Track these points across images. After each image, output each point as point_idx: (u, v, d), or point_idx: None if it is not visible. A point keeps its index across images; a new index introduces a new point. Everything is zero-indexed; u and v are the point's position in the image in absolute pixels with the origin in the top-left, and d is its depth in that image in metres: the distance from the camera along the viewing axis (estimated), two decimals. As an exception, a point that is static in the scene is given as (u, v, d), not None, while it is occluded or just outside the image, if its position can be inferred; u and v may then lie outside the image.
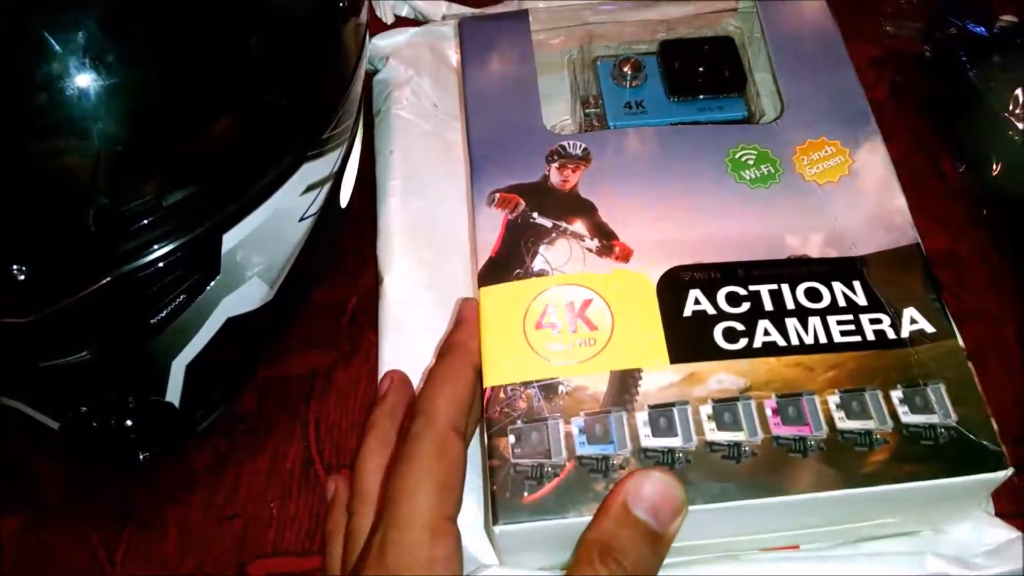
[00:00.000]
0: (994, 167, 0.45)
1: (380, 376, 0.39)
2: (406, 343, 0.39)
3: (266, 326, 0.40)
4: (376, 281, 0.41)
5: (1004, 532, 0.34)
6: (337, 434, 0.40)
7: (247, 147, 0.35)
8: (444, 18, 0.49)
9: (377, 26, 0.49)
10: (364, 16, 0.41)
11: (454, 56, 0.48)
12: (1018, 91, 0.43)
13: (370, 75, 0.48)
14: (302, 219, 0.38)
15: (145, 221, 0.32)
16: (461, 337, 0.34)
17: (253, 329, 0.38)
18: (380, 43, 0.48)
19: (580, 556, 0.28)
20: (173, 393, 0.36)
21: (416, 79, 0.46)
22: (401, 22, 0.50)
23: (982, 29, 0.47)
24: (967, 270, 0.36)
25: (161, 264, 0.33)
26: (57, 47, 0.29)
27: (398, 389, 0.38)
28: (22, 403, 0.37)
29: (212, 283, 0.35)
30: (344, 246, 0.44)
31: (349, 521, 0.34)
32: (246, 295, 0.37)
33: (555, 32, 0.44)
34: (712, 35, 0.43)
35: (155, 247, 0.33)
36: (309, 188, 0.37)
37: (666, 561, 0.31)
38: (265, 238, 0.36)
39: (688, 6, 0.44)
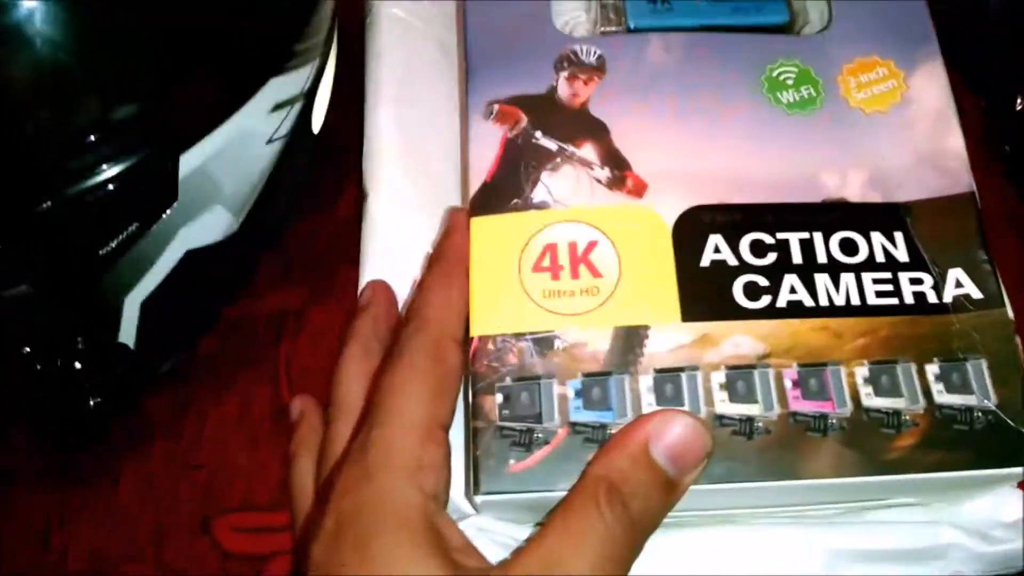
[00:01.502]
0: (1018, 102, 0.41)
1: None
2: (391, 265, 0.35)
3: (231, 261, 0.36)
4: (358, 202, 0.37)
5: (1027, 505, 0.31)
6: (310, 379, 0.36)
7: (204, 55, 0.30)
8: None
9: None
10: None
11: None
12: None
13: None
14: (270, 142, 0.33)
15: (91, 138, 0.29)
16: (452, 242, 0.30)
17: (216, 264, 0.35)
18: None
19: (583, 490, 0.25)
20: (127, 334, 0.33)
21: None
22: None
23: None
24: (985, 207, 0.33)
25: (110, 187, 0.29)
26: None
27: (381, 299, 0.34)
28: None
29: (169, 211, 0.31)
30: (318, 175, 0.39)
31: (326, 430, 0.31)
32: (207, 226, 0.33)
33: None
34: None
35: (103, 168, 0.29)
36: (277, 107, 0.33)
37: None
38: (228, 162, 0.32)
39: None
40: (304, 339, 0.37)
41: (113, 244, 0.31)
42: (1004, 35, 0.41)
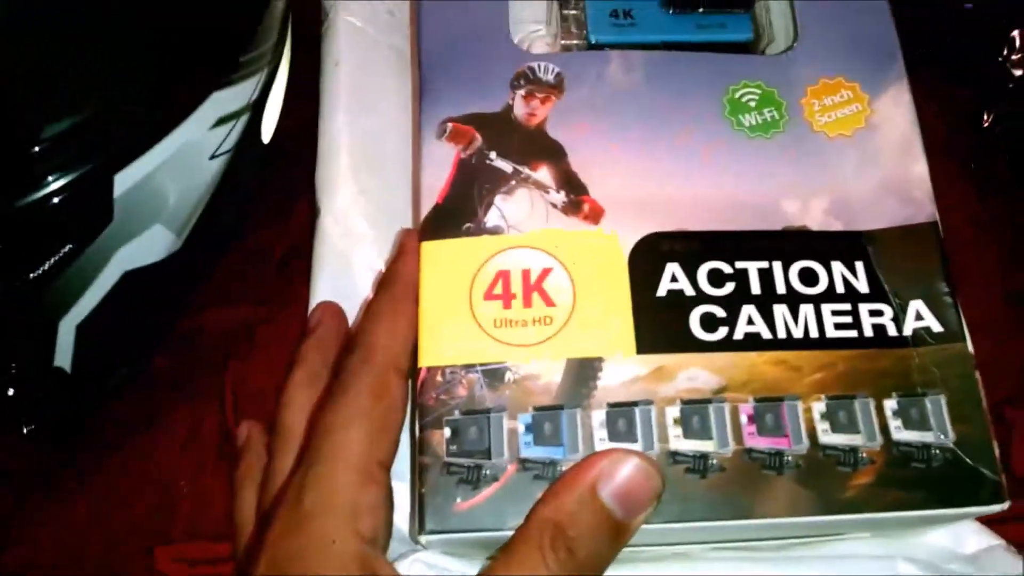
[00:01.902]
0: (985, 118, 0.40)
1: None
2: (343, 285, 0.34)
3: (174, 281, 0.35)
4: (311, 217, 0.35)
5: (985, 538, 0.31)
6: (261, 401, 0.35)
7: (141, 69, 0.29)
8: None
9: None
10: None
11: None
12: (1015, 33, 0.37)
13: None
14: (213, 157, 0.32)
15: (20, 155, 0.27)
16: (402, 267, 0.29)
17: (158, 285, 0.33)
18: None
19: (528, 533, 0.25)
20: (63, 357, 0.31)
21: (372, -16, 0.39)
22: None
23: None
24: (949, 228, 0.32)
25: (42, 207, 0.28)
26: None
27: (331, 322, 0.33)
28: None
29: (104, 231, 0.29)
30: (273, 183, 0.38)
31: (268, 463, 0.30)
32: (147, 245, 0.31)
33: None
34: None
35: (35, 186, 0.27)
36: (221, 121, 0.31)
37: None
38: (168, 179, 0.30)
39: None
40: (255, 360, 0.36)
41: (46, 266, 0.29)
42: (976, 55, 0.40)
